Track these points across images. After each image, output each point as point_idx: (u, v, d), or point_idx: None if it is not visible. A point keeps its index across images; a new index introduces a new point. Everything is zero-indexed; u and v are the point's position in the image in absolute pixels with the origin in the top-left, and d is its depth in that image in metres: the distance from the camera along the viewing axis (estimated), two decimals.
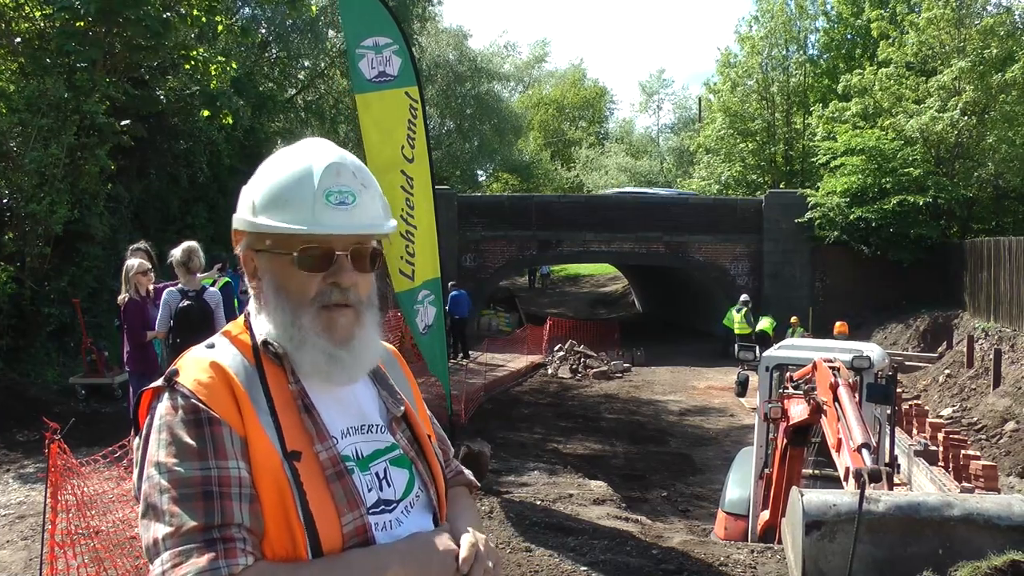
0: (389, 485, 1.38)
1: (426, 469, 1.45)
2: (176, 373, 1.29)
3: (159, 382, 1.29)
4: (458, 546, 1.35)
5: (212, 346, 1.34)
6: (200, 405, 1.25)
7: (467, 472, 1.67)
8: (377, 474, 1.37)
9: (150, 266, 7.50)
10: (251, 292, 1.40)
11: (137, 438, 1.31)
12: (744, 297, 21.46)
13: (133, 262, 7.35)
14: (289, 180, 1.32)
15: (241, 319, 1.40)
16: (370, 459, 1.37)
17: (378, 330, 1.42)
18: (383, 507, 1.35)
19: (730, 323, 21.94)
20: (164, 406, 1.26)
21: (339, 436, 1.35)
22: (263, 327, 1.35)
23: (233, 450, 1.24)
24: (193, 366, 1.30)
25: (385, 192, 6.08)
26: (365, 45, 6.65)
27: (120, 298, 7.34)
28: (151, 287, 7.41)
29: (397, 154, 6.71)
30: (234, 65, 14.45)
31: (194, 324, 6.63)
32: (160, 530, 1.19)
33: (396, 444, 1.42)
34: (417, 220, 6.81)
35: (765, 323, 20.32)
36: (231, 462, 1.23)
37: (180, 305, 6.72)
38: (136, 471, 1.29)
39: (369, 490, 1.34)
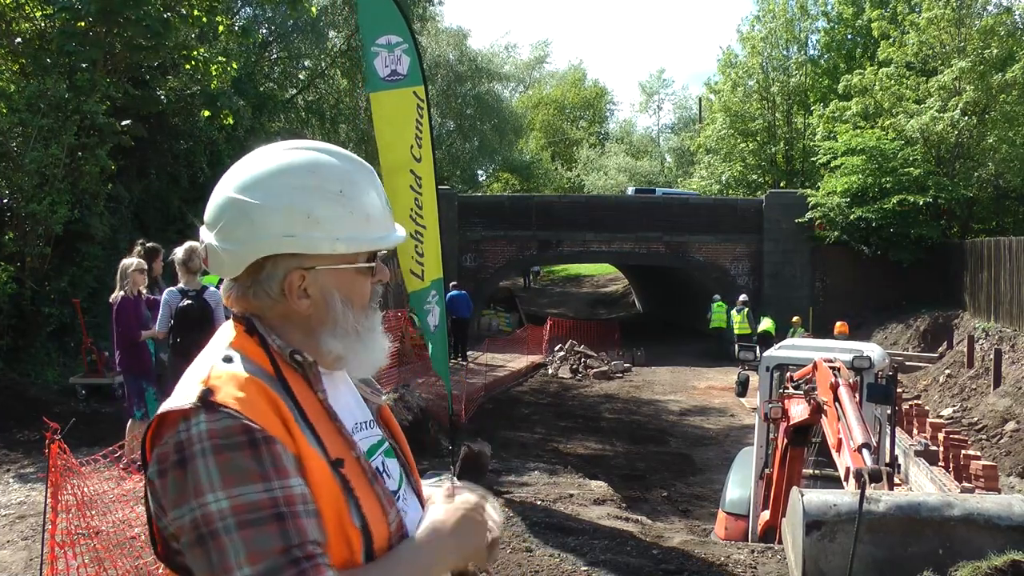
0: (389, 476, 1.40)
1: (402, 453, 1.49)
2: (211, 392, 1.20)
3: (187, 404, 1.19)
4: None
5: (230, 360, 1.27)
6: (252, 425, 1.19)
7: None
8: (378, 468, 1.38)
9: (147, 265, 7.50)
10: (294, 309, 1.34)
11: (164, 468, 1.19)
12: (743, 297, 21.49)
13: (130, 260, 7.36)
14: (362, 194, 1.36)
15: (231, 331, 1.34)
16: (369, 455, 1.38)
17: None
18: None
19: (720, 323, 22.09)
20: (206, 429, 1.17)
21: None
22: (298, 341, 1.33)
23: (290, 468, 1.20)
24: (230, 383, 1.23)
25: (397, 192, 6.14)
26: (379, 43, 6.70)
27: (112, 296, 7.32)
28: (143, 288, 7.42)
29: (407, 154, 6.74)
30: (235, 65, 14.45)
31: (194, 324, 6.63)
32: (234, 559, 1.14)
33: (384, 437, 1.45)
34: (425, 220, 6.83)
35: (767, 323, 20.35)
36: (292, 480, 1.19)
37: (180, 305, 6.73)
38: (162, 503, 1.20)
39: None
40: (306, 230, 1.29)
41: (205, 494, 1.15)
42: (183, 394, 1.23)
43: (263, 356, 1.30)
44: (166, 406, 1.22)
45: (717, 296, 22.74)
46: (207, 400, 1.19)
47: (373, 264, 1.38)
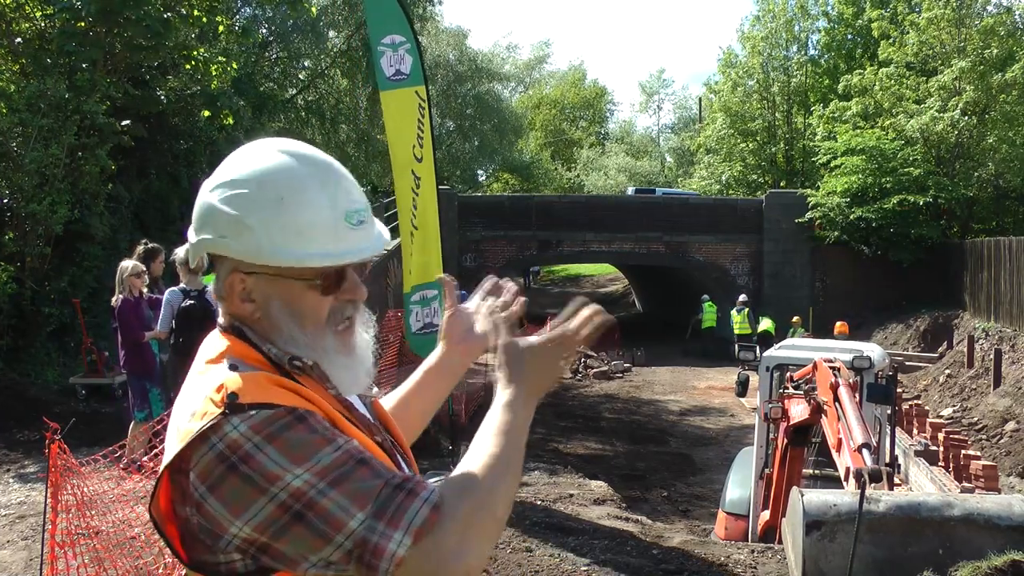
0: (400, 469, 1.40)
1: (400, 447, 1.45)
2: (236, 397, 1.17)
3: (211, 420, 1.16)
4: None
5: (236, 367, 1.25)
6: (292, 406, 1.18)
7: None
8: None
9: (143, 268, 7.51)
10: (241, 313, 1.33)
11: (214, 482, 1.15)
12: (743, 297, 21.51)
13: (127, 263, 7.38)
14: (308, 204, 1.26)
15: (221, 340, 1.33)
16: None
17: (368, 328, 1.42)
18: None
19: (711, 323, 22.15)
20: (247, 428, 1.15)
21: None
22: (274, 344, 1.31)
23: (337, 431, 1.21)
24: (249, 383, 1.21)
25: (402, 193, 6.15)
26: (384, 43, 6.76)
27: (114, 300, 7.36)
28: (144, 288, 7.43)
29: (409, 154, 6.79)
30: (235, 65, 14.45)
31: (196, 324, 6.64)
32: (342, 513, 1.12)
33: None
34: (420, 220, 6.86)
35: (767, 323, 20.37)
36: (346, 436, 1.21)
37: (182, 305, 6.74)
38: (221, 518, 1.14)
39: None
40: (237, 234, 1.26)
41: (282, 476, 1.12)
42: (194, 415, 1.19)
43: (264, 362, 1.29)
44: (185, 437, 1.18)
45: (706, 296, 22.87)
46: (234, 405, 1.17)
47: (318, 281, 1.28)
